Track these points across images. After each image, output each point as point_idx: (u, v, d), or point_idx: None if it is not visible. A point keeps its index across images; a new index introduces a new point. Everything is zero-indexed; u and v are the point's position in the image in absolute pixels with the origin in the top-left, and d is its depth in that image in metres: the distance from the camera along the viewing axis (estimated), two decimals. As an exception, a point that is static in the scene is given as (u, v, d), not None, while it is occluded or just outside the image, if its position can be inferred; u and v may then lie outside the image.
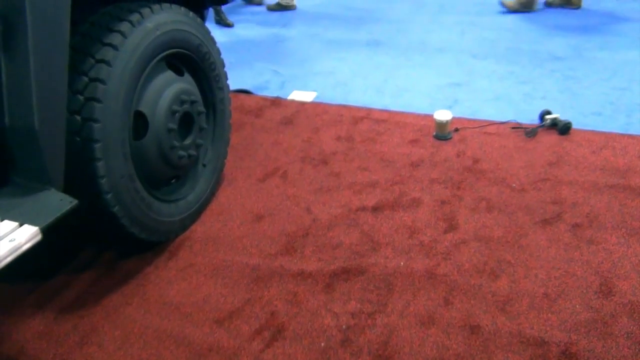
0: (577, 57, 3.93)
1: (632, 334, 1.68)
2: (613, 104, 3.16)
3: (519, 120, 2.97)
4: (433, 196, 2.37)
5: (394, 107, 3.26)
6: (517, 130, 2.87)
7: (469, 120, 3.02)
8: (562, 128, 2.84)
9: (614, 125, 2.93)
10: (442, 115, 2.85)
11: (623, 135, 2.80)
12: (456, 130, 2.91)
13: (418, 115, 3.11)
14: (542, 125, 2.90)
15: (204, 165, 2.32)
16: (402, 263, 1.99)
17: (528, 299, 1.81)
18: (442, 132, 2.87)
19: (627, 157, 2.59)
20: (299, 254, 2.07)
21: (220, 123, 2.38)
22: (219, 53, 2.33)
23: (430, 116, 2.96)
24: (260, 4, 5.07)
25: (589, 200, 2.30)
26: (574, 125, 2.85)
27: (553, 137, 2.79)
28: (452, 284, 1.89)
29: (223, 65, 2.36)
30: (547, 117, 2.92)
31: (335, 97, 3.44)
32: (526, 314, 1.76)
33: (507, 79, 3.60)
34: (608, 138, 2.77)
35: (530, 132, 2.84)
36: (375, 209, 2.31)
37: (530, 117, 3.00)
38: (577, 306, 1.78)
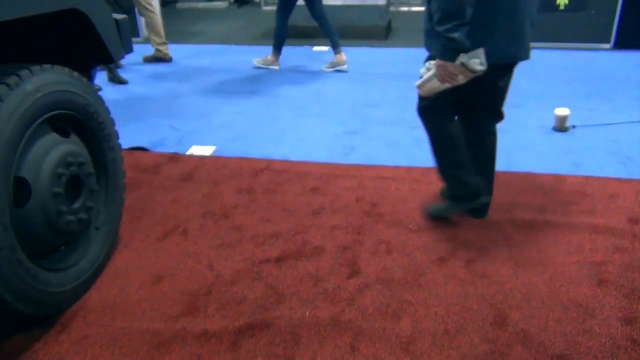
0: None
1: (526, 361, 1.77)
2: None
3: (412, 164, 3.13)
4: (335, 243, 2.41)
5: (294, 157, 3.31)
6: (411, 173, 3.01)
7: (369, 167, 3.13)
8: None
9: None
10: (562, 111, 3.50)
11: (506, 172, 3.00)
12: (574, 126, 3.48)
13: (317, 164, 3.18)
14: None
15: (97, 229, 2.21)
16: (307, 313, 1.99)
17: (430, 337, 1.86)
18: (562, 125, 3.49)
19: (510, 193, 2.78)
20: (202, 314, 2.00)
21: (112, 183, 2.30)
22: (109, 112, 2.27)
23: (330, 164, 3.12)
24: (125, 83, 4.87)
25: (479, 235, 2.43)
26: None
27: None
28: (357, 330, 1.90)
29: (113, 124, 2.30)
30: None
31: (235, 150, 3.45)
32: (429, 353, 1.80)
33: (398, 125, 3.79)
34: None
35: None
36: (279, 260, 2.30)
37: (421, 161, 3.15)
38: (475, 339, 1.85)
